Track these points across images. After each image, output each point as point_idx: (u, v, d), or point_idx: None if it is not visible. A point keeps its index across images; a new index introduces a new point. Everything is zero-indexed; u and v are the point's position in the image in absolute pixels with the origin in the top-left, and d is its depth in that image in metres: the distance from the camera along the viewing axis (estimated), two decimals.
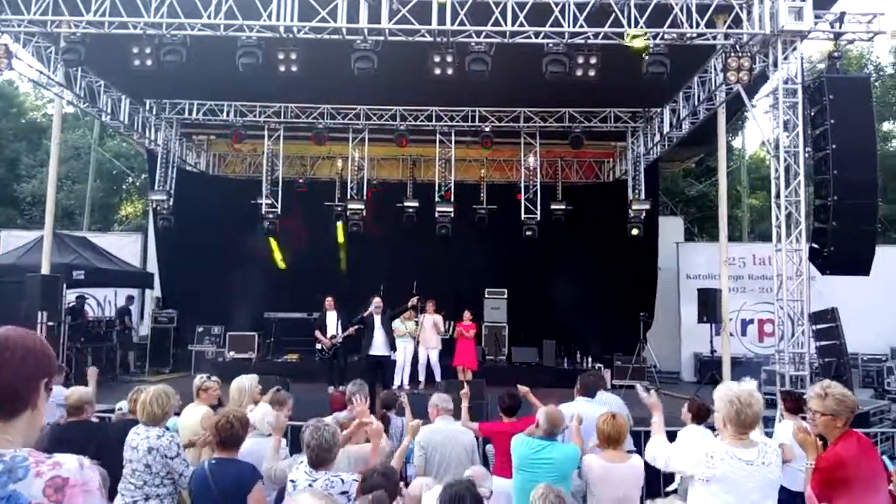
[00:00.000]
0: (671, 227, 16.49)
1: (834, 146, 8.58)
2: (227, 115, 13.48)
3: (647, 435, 5.98)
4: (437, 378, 10.97)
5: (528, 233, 13.96)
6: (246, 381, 4.97)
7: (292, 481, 3.50)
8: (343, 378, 9.83)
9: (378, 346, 9.40)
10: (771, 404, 8.97)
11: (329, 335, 10.26)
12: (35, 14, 9.18)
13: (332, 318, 10.36)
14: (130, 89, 12.66)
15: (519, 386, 5.63)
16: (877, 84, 21.68)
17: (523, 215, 14.09)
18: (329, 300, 10.52)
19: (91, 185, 21.59)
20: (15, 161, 24.61)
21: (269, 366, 11.84)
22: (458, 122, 13.58)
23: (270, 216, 13.54)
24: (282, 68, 9.24)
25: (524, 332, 13.64)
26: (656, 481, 5.38)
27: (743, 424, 3.00)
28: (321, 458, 3.46)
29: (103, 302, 12.78)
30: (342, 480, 3.42)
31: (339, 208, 14.35)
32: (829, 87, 8.75)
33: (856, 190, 8.58)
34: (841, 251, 8.66)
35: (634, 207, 13.62)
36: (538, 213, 14.14)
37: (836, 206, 8.56)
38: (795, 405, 5.70)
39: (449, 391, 6.54)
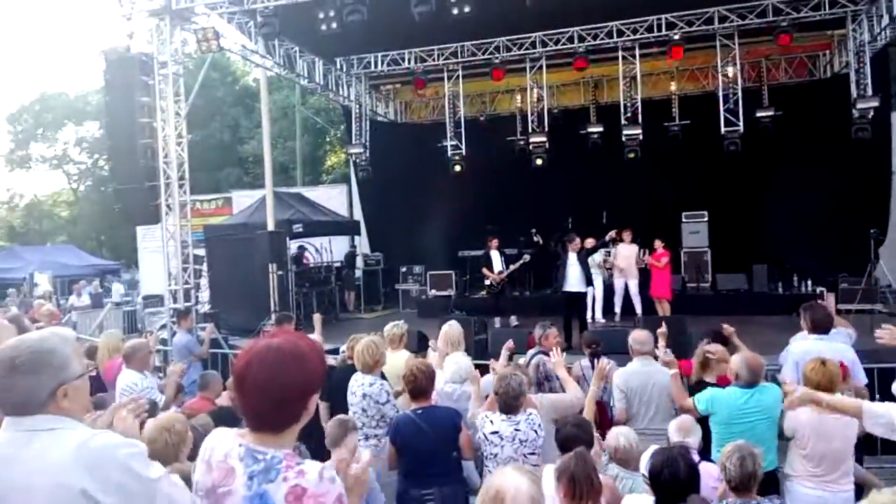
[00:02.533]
0: None
1: None
2: (409, 62, 13.88)
3: (882, 372, 5.39)
4: (638, 311, 10.73)
5: (731, 147, 12.73)
6: (452, 331, 5.30)
7: (495, 433, 3.68)
8: (501, 312, 10.78)
9: (573, 283, 9.34)
10: None
11: (496, 271, 10.70)
12: None
13: (496, 256, 10.88)
14: (321, 50, 13.54)
15: (724, 325, 5.28)
16: None
17: (723, 128, 12.82)
18: (494, 241, 10.97)
19: (299, 140, 23.80)
20: (235, 125, 27.84)
21: (467, 302, 12.43)
22: (641, 34, 12.57)
23: (457, 157, 13.89)
24: (455, 11, 9.24)
25: (729, 256, 12.64)
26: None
27: None
28: (509, 406, 3.64)
29: (320, 249, 14.24)
30: (535, 415, 3.71)
31: (522, 142, 14.26)
32: None
33: None
34: None
35: (859, 106, 11.68)
36: (741, 123, 12.77)
37: None
38: None
39: (647, 328, 6.36)
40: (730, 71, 13.05)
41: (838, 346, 4.65)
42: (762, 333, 5.23)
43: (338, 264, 14.81)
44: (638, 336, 4.93)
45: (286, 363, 1.66)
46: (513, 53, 13.34)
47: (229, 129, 27.79)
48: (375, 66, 14.35)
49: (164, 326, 10.50)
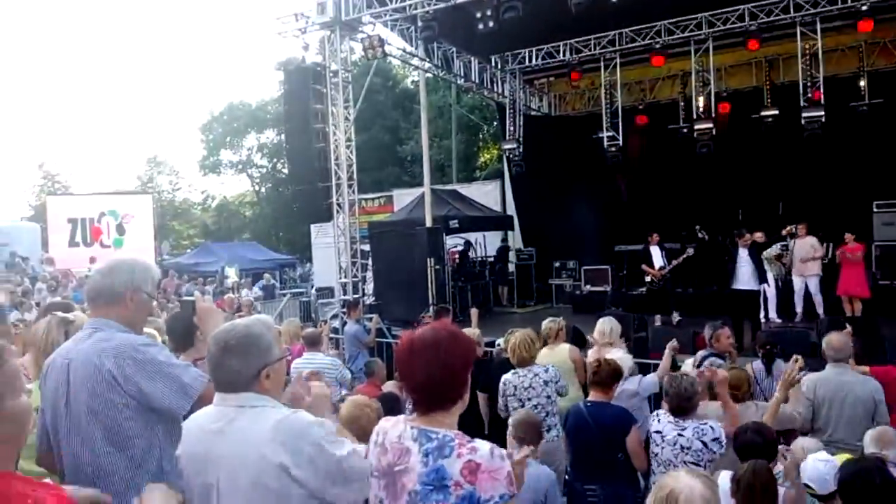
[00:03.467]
0: None
1: None
2: (564, 54, 13.71)
3: None
4: (820, 311, 9.76)
5: None
6: (609, 326, 5.19)
7: (658, 432, 3.57)
8: (662, 309, 10.20)
9: (744, 280, 8.68)
10: None
11: (657, 267, 10.24)
12: (396, 3, 10.64)
13: (656, 252, 10.40)
14: (477, 49, 13.79)
15: None
16: None
17: None
18: (655, 236, 10.49)
19: (455, 139, 24.42)
20: (395, 127, 29.17)
21: (625, 298, 12.04)
22: (824, 6, 11.36)
23: (613, 149, 13.49)
24: None
25: None
26: None
27: None
28: (682, 407, 3.47)
29: (475, 244, 14.56)
30: (712, 428, 3.39)
31: (685, 130, 13.51)
32: None
33: None
34: None
35: None
36: None
37: None
38: None
39: (831, 328, 5.78)
40: None
41: None
42: None
43: (491, 259, 15.04)
44: (833, 341, 4.43)
45: (443, 340, 1.86)
46: (675, 37, 12.65)
47: (389, 130, 29.16)
48: (530, 61, 14.36)
49: (335, 316, 11.30)
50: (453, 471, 1.72)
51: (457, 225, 12.66)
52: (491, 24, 9.89)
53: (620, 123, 13.79)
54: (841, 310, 9.60)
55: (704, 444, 3.37)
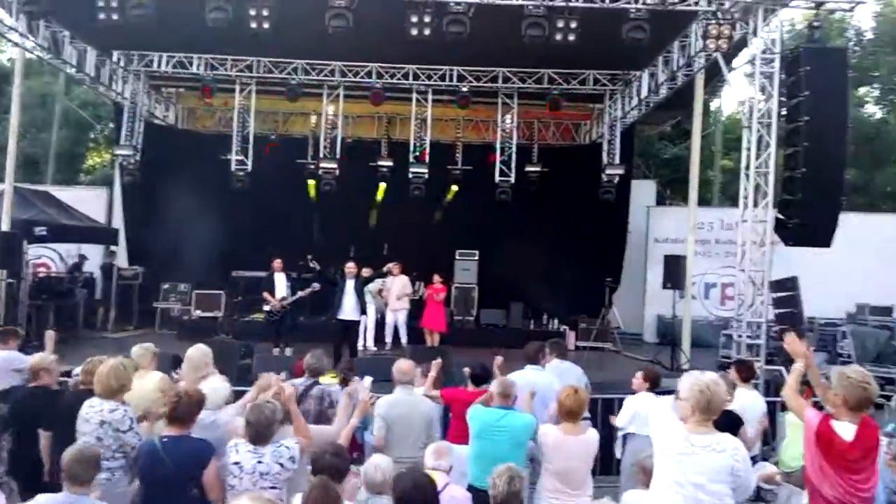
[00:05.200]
0: (643, 191, 16.55)
1: (807, 118, 8.55)
2: (197, 67, 13.01)
3: (604, 402, 6.22)
4: (403, 341, 11.09)
5: (503, 196, 13.90)
6: (197, 354, 4.85)
7: (236, 463, 3.49)
8: (288, 340, 9.96)
9: (348, 311, 9.43)
10: (724, 367, 9.26)
11: (279, 297, 9.89)
12: None
13: (280, 279, 10.03)
14: (97, 41, 12.13)
15: (497, 357, 5.68)
16: (856, 49, 21.63)
17: (497, 177, 14.00)
18: (277, 262, 10.12)
19: (56, 133, 20.96)
20: None
21: (236, 325, 11.79)
22: (435, 80, 13.32)
23: (240, 173, 13.27)
24: (253, 25, 8.92)
25: (493, 293, 13.75)
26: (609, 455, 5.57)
27: (711, 412, 3.07)
28: (262, 435, 3.50)
29: (66, 257, 12.57)
30: (287, 447, 3.53)
31: (312, 166, 14.11)
32: (805, 59, 8.66)
33: (825, 164, 8.60)
34: (805, 223, 8.76)
35: (608, 172, 13.61)
36: (513, 175, 14.07)
37: (804, 179, 8.60)
38: (748, 374, 5.93)
39: (415, 358, 6.54)
40: (507, 125, 14.34)
41: (544, 375, 5.51)
42: (514, 365, 5.76)
43: (87, 275, 13.19)
44: (402, 366, 4.99)
45: None
46: (311, 78, 13.24)
47: None
48: (158, 66, 13.20)
49: None
50: None
51: (45, 232, 10.73)
52: (115, 16, 8.85)
53: (251, 149, 13.72)
54: (423, 340, 11.09)
55: (282, 465, 3.47)
